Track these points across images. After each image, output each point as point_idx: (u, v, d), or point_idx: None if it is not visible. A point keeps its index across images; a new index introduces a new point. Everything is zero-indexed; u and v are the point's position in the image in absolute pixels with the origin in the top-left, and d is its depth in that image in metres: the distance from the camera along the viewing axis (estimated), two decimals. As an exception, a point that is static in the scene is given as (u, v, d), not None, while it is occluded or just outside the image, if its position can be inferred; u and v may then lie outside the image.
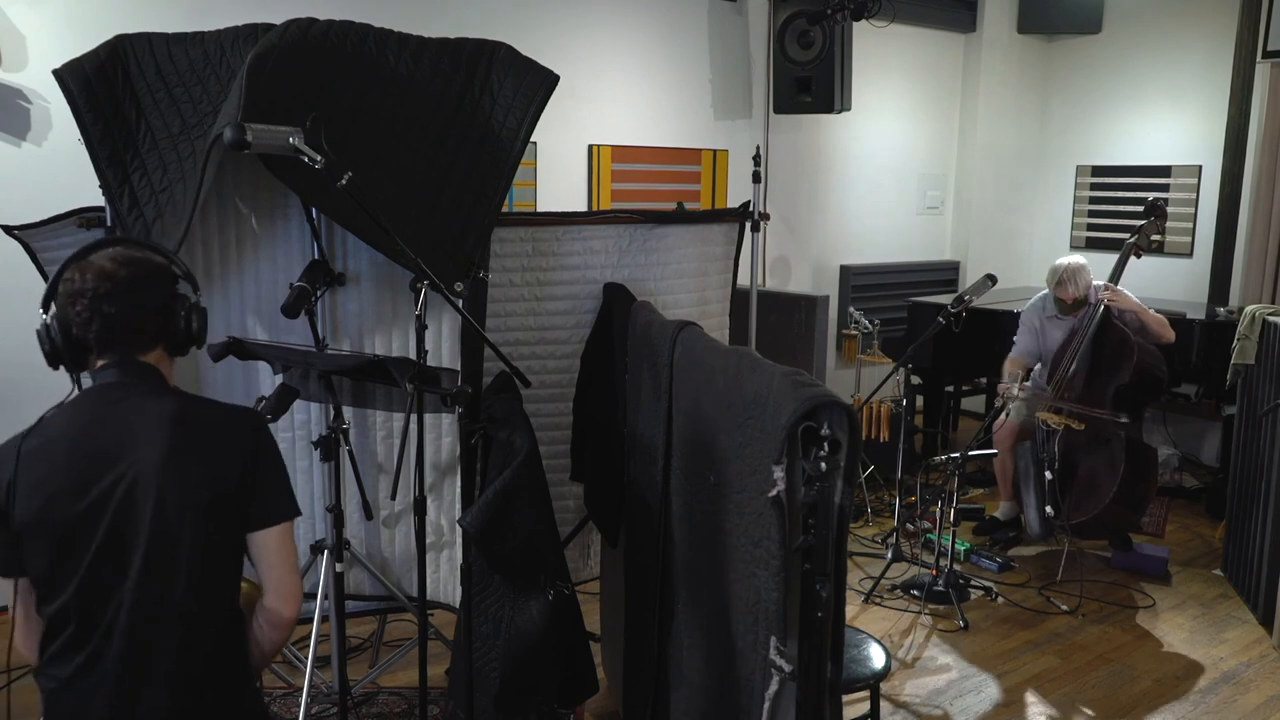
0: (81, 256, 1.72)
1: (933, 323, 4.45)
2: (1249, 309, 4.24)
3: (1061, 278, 4.52)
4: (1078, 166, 6.97)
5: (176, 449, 1.66)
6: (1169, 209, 5.81)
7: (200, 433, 1.70)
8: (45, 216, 2.74)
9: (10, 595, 1.73)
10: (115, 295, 1.68)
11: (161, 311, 1.75)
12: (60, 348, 1.73)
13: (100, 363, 1.73)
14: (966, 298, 4.32)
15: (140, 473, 1.64)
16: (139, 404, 1.70)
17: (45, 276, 2.84)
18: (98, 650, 1.66)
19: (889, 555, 4.50)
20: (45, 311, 1.75)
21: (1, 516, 1.66)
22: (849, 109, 5.64)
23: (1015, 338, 4.79)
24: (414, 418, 2.40)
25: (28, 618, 1.73)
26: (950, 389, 6.38)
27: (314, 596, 2.89)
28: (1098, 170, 6.86)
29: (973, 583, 4.37)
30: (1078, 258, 4.59)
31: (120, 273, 1.69)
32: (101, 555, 1.64)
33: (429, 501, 2.92)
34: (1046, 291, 4.68)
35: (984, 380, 6.40)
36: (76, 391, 1.77)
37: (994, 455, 4.85)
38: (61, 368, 1.77)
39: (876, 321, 5.63)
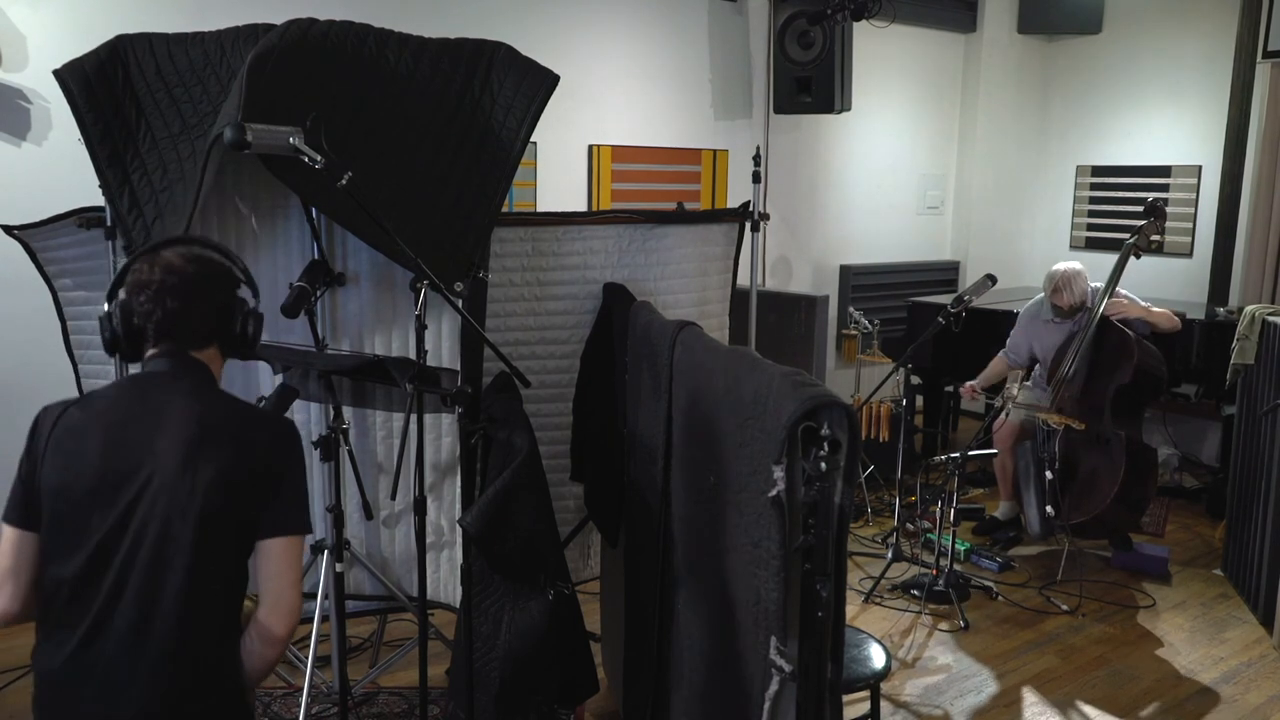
0: (154, 250, 1.78)
1: (933, 323, 4.45)
2: (1249, 309, 4.24)
3: (1057, 284, 4.52)
4: (1078, 166, 6.97)
5: (196, 449, 1.67)
6: (1169, 209, 5.81)
7: (222, 434, 1.71)
8: (45, 216, 2.74)
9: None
10: (180, 290, 1.73)
11: (221, 312, 1.81)
12: (119, 335, 1.77)
13: (152, 351, 1.77)
14: (966, 298, 4.32)
15: (158, 470, 1.66)
16: (173, 399, 1.72)
17: (45, 277, 2.85)
18: (96, 629, 1.66)
19: (889, 555, 4.50)
20: (110, 301, 1.78)
21: (30, 472, 1.71)
22: (849, 109, 5.64)
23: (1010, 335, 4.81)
24: (414, 418, 2.40)
25: (12, 571, 1.71)
26: (950, 389, 6.38)
27: (314, 596, 2.89)
28: (1098, 170, 6.86)
29: (973, 583, 4.37)
30: (1074, 264, 4.59)
31: (188, 269, 1.75)
32: (109, 543, 1.65)
33: (429, 501, 2.92)
34: (1044, 295, 4.68)
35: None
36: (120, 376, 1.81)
37: (994, 455, 4.85)
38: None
39: (876, 321, 5.63)
